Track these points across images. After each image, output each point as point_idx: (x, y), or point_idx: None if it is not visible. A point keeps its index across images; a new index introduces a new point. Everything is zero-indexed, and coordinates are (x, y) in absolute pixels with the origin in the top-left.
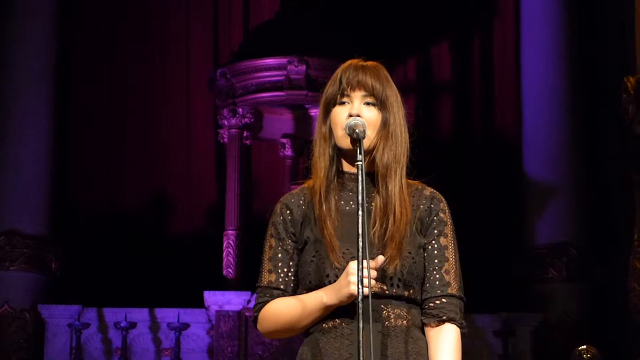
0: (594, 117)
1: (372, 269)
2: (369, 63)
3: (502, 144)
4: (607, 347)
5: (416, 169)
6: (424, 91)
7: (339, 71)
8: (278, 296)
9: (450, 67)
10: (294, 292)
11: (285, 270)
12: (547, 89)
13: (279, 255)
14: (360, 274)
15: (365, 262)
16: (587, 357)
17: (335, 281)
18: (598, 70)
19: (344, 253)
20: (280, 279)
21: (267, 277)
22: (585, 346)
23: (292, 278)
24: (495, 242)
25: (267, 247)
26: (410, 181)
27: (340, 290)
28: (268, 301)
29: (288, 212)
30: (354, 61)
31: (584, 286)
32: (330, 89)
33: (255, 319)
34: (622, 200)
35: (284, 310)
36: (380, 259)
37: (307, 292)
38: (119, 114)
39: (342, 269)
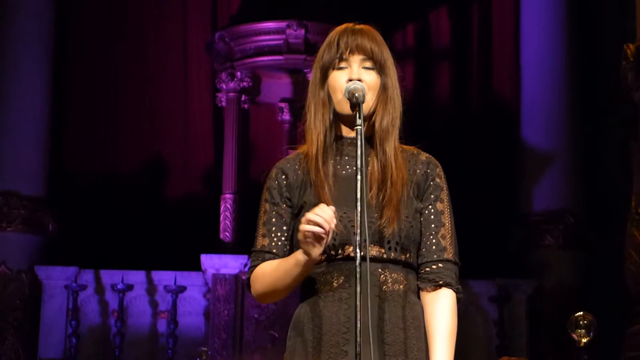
0: (593, 84)
1: (328, 220)
2: (364, 26)
3: (500, 111)
4: (602, 314)
5: (413, 135)
6: (422, 57)
7: (334, 35)
8: (270, 260)
9: (449, 33)
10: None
11: (279, 234)
12: (545, 55)
13: (273, 219)
14: (359, 237)
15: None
16: (583, 324)
17: (334, 245)
18: (598, 37)
19: (341, 217)
20: (273, 243)
21: (260, 242)
22: (581, 313)
23: (286, 242)
24: (493, 209)
25: (261, 211)
26: (405, 146)
27: None
28: (260, 264)
29: (283, 176)
30: (349, 25)
31: (581, 253)
32: (327, 53)
33: (247, 282)
34: (619, 167)
35: (269, 271)
36: (332, 209)
37: None
38: (116, 77)
39: (340, 233)
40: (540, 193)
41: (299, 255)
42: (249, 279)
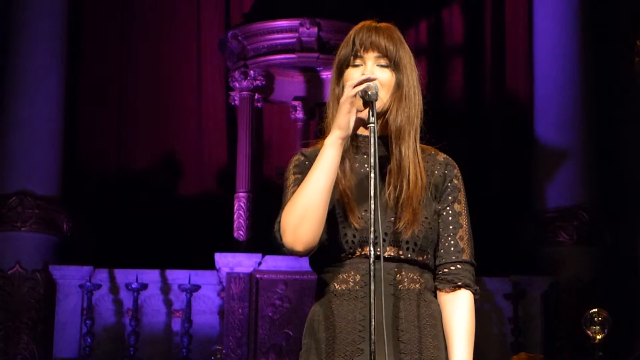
0: (606, 80)
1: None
2: (382, 24)
3: (513, 107)
4: (617, 310)
5: (427, 133)
6: (435, 54)
7: (352, 32)
8: None
9: (462, 29)
10: None
11: None
12: (559, 51)
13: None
14: (372, 235)
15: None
16: (598, 320)
17: (353, 242)
18: (611, 31)
19: (362, 215)
20: None
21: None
22: (596, 309)
23: None
24: (506, 205)
25: (288, 183)
26: (423, 146)
27: (340, 104)
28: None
29: (303, 158)
30: (367, 22)
31: (595, 250)
32: (343, 50)
33: (277, 232)
34: (633, 163)
35: (297, 192)
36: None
37: (325, 252)
38: (130, 75)
39: (361, 229)
40: (554, 189)
41: (329, 139)
42: (277, 229)
